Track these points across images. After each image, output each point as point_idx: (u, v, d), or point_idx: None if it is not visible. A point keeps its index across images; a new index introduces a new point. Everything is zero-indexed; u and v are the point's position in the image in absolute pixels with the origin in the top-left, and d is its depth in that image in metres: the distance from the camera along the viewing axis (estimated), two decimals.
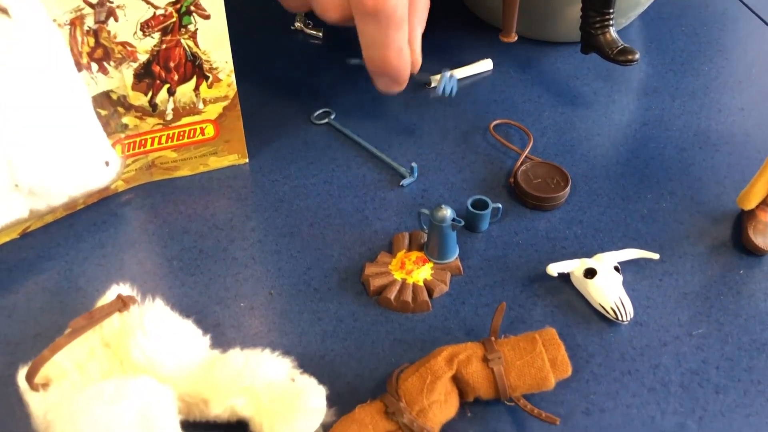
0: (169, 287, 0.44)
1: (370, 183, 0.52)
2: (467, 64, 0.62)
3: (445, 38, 0.65)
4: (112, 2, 0.41)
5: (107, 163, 0.46)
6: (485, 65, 0.62)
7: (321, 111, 0.57)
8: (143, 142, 0.48)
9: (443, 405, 0.37)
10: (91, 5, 0.40)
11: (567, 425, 0.39)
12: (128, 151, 0.48)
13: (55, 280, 0.45)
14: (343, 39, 0.64)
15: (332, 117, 0.57)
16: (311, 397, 0.35)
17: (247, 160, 0.53)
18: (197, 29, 0.44)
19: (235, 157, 0.52)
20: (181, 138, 0.49)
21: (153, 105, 0.46)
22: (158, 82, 0.45)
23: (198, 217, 0.49)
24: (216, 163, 0.52)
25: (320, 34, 0.64)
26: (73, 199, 0.46)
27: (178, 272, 0.45)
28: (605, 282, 0.44)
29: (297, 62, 0.62)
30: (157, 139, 0.48)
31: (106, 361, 0.39)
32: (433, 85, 0.59)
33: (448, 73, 0.54)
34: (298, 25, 0.64)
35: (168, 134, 0.48)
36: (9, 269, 0.46)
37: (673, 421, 0.40)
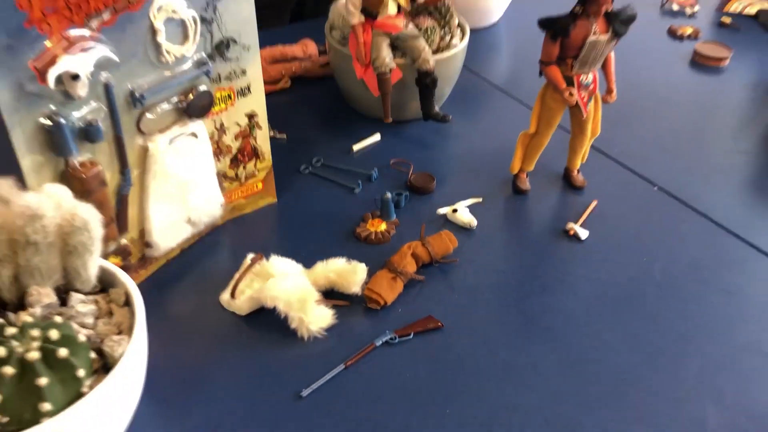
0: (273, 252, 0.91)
1: (357, 204, 1.02)
2: (365, 139, 1.15)
3: (345, 126, 1.18)
4: (224, 125, 0.90)
5: (221, 205, 0.93)
6: (376, 137, 1.16)
7: (306, 166, 1.07)
8: (231, 194, 0.96)
9: (410, 264, 0.88)
10: (218, 130, 0.89)
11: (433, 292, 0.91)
12: (226, 200, 0.95)
13: (211, 266, 0.90)
14: (302, 140, 1.15)
15: (310, 168, 1.07)
16: (360, 266, 0.85)
17: (275, 200, 1.01)
18: (257, 135, 0.94)
19: (270, 198, 1.01)
20: (247, 191, 0.97)
21: (237, 175, 0.95)
22: (240, 162, 0.94)
23: (258, 231, 0.97)
24: (262, 202, 1.00)
25: (284, 136, 1.15)
26: (206, 226, 0.93)
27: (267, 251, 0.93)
28: (463, 212, 0.97)
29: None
30: (236, 193, 0.96)
31: (258, 282, 0.85)
32: (356, 149, 1.12)
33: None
34: (271, 133, 1.15)
35: (242, 189, 0.97)
36: (177, 270, 0.90)
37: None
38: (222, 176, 0.93)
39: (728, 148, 1.16)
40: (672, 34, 1.49)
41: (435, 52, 1.09)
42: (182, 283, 0.88)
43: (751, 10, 1.57)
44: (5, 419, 0.56)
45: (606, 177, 1.07)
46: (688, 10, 1.57)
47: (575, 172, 1.05)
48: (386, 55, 1.05)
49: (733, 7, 1.58)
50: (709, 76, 1.35)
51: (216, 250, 0.94)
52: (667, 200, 1.03)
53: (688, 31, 1.48)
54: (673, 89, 1.30)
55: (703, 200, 1.03)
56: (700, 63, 1.38)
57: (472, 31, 1.20)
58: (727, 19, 1.53)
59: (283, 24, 1.53)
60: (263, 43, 0.91)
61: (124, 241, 0.82)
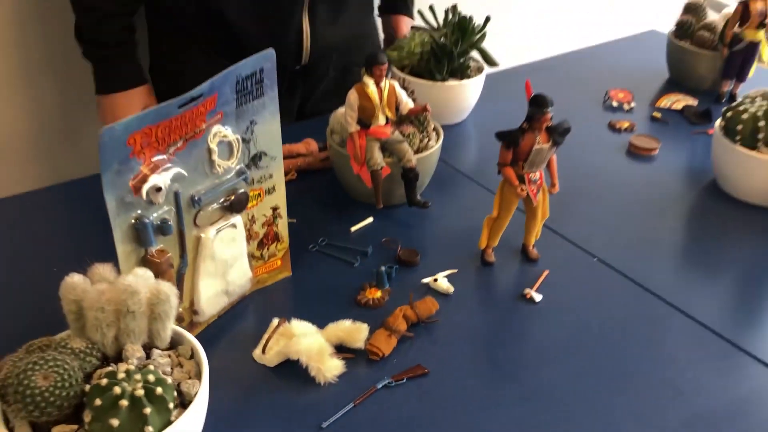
0: (292, 316, 1.15)
1: (357, 276, 1.26)
2: (360, 221, 1.40)
3: (344, 211, 1.43)
4: (255, 216, 1.14)
5: (249, 279, 1.17)
6: (369, 220, 1.41)
7: (313, 244, 1.32)
8: (257, 270, 1.20)
9: (402, 324, 1.12)
10: (250, 220, 1.13)
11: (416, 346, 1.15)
12: (253, 275, 1.19)
13: (243, 328, 1.13)
14: (309, 223, 1.40)
15: (316, 247, 1.32)
16: (363, 326, 1.08)
17: (291, 274, 1.25)
18: (278, 223, 1.18)
19: (287, 272, 1.25)
20: (269, 267, 1.21)
21: (262, 254, 1.19)
22: (264, 245, 1.18)
23: (277, 299, 1.20)
24: (280, 276, 1.24)
25: (294, 220, 1.39)
26: (237, 296, 1.16)
27: (286, 314, 1.16)
28: (443, 281, 1.22)
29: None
30: (261, 269, 1.20)
31: (283, 340, 1.08)
32: (353, 230, 1.37)
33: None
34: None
35: (266, 266, 1.20)
36: (216, 331, 1.13)
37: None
38: (251, 256, 1.17)
39: (656, 226, 1.43)
40: (612, 127, 1.78)
41: (416, 152, 1.36)
42: (221, 342, 1.11)
43: (678, 106, 1.87)
44: None
45: (555, 251, 1.33)
46: (626, 106, 1.87)
47: (530, 247, 1.30)
48: (377, 156, 1.31)
49: (663, 103, 1.89)
50: (641, 164, 1.63)
51: (245, 315, 1.17)
52: (605, 269, 1.29)
53: (625, 125, 1.77)
54: (611, 176, 1.58)
55: (633, 269, 1.29)
56: (634, 153, 1.67)
57: (444, 127, 1.47)
58: (657, 114, 1.83)
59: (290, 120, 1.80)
60: None
61: (180, 309, 1.05)
